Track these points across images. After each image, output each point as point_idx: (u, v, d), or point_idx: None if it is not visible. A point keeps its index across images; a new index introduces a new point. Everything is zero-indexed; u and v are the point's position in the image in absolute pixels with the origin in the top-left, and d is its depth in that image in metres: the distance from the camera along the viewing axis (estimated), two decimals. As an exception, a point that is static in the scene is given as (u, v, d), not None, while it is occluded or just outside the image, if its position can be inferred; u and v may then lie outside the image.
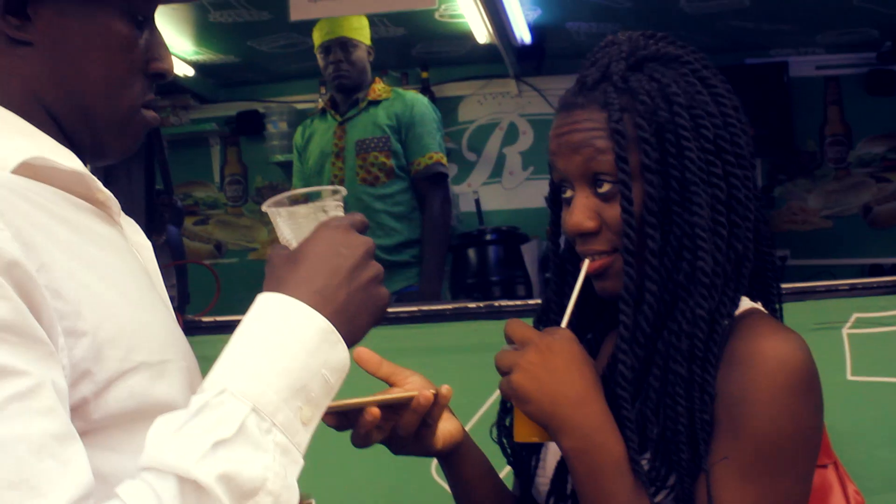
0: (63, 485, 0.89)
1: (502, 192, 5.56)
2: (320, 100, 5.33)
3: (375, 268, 1.13)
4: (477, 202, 5.18)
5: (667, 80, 1.31)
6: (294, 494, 1.01)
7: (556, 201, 1.43)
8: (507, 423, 1.44)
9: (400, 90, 4.14)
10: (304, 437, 1.03)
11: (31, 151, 1.07)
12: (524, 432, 1.31)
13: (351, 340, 1.09)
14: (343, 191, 1.21)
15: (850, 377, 2.56)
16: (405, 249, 3.94)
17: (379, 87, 4.04)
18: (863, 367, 2.56)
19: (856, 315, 2.58)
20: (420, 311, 2.79)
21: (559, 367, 1.25)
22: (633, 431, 1.25)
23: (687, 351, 1.25)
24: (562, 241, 1.47)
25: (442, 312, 2.77)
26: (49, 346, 0.95)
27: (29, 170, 1.07)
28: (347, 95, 4.02)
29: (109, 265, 1.08)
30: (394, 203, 3.94)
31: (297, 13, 3.15)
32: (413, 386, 1.36)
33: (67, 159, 1.12)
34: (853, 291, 2.60)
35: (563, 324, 1.32)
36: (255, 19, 4.55)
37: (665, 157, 1.29)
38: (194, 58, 5.15)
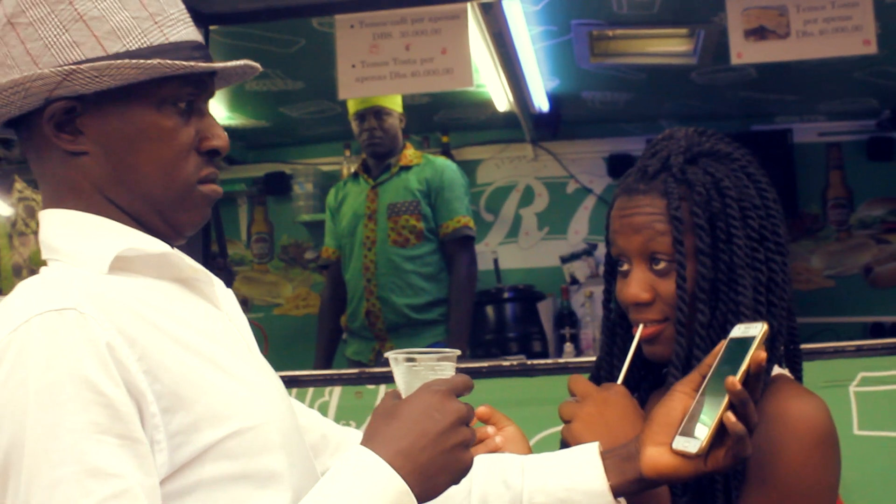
0: None
1: (518, 251, 5.75)
2: (345, 162, 5.56)
3: (463, 434, 1.23)
4: (495, 261, 5.35)
5: (720, 174, 1.49)
6: None
7: (612, 273, 1.61)
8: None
9: (430, 156, 4.35)
10: None
11: (120, 245, 1.24)
12: None
13: (425, 499, 1.20)
14: (457, 352, 1.33)
15: (856, 432, 2.73)
16: (433, 308, 4.13)
17: (410, 153, 4.25)
18: (868, 423, 2.73)
19: (862, 374, 2.75)
20: (456, 368, 2.97)
21: (613, 419, 1.44)
22: None
23: None
24: (612, 306, 1.64)
25: (478, 370, 2.95)
26: (144, 446, 1.11)
27: (123, 262, 1.23)
28: (380, 160, 4.23)
29: (206, 344, 1.24)
30: (423, 264, 4.13)
31: (344, 92, 3.37)
32: (507, 434, 1.55)
33: (153, 244, 1.27)
34: (859, 352, 2.78)
35: (620, 380, 1.52)
36: (289, 88, 4.77)
37: (716, 243, 1.47)
38: (226, 122, 5.38)
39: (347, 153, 5.59)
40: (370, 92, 3.55)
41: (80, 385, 1.08)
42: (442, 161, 4.34)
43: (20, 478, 1.06)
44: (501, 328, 4.87)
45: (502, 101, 4.84)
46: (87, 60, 1.22)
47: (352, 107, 4.19)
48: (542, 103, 5.09)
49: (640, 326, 1.52)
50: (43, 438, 1.06)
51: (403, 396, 1.28)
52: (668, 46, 4.41)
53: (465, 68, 3.25)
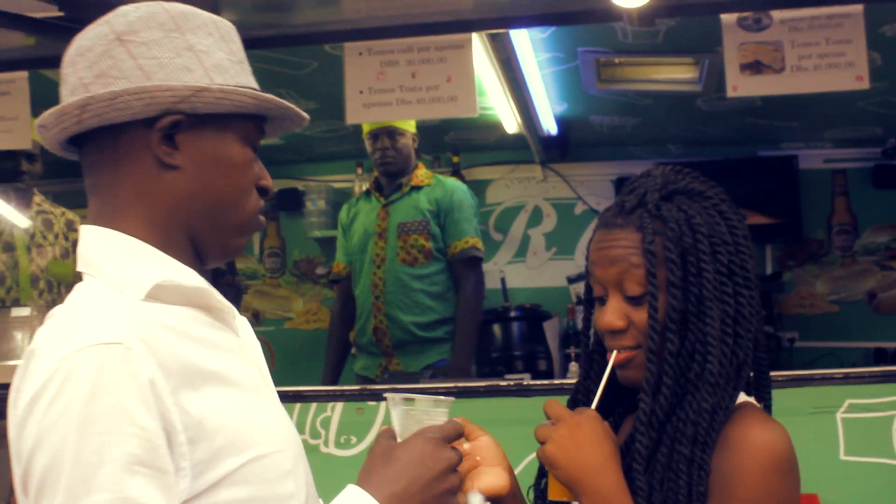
0: None
1: (526, 271, 5.83)
2: (356, 179, 5.65)
3: (452, 481, 1.36)
4: (502, 280, 5.42)
5: (692, 211, 1.57)
6: None
7: (591, 301, 1.69)
8: (542, 486, 1.69)
9: (441, 177, 4.43)
10: None
11: (160, 274, 1.31)
12: (556, 492, 1.57)
13: None
14: (451, 400, 1.45)
15: (842, 457, 2.80)
16: (440, 326, 4.21)
17: (421, 173, 4.33)
18: (854, 448, 2.80)
19: (849, 401, 2.82)
20: (456, 387, 3.06)
21: (584, 441, 1.52)
22: (643, 498, 1.50)
23: (691, 436, 1.50)
24: (591, 333, 1.72)
25: (476, 389, 3.03)
26: (171, 476, 1.18)
27: (159, 290, 1.30)
28: (392, 179, 4.31)
29: (228, 373, 1.32)
30: (431, 283, 4.22)
31: (352, 117, 3.49)
32: (480, 443, 1.63)
33: (190, 277, 1.34)
34: (846, 380, 2.85)
35: (593, 405, 1.60)
36: (302, 108, 4.83)
37: (686, 276, 1.54)
38: (241, 139, 5.48)
39: (359, 171, 5.68)
40: (377, 117, 3.65)
41: (121, 418, 1.16)
42: (452, 182, 4.42)
43: (54, 499, 1.14)
44: (508, 346, 4.94)
45: (511, 123, 4.94)
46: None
47: (366, 126, 4.25)
48: (550, 126, 5.18)
49: (614, 352, 1.60)
50: (83, 465, 1.14)
51: (398, 435, 1.40)
52: (674, 74, 4.50)
53: (469, 96, 3.35)
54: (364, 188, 4.63)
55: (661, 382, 1.55)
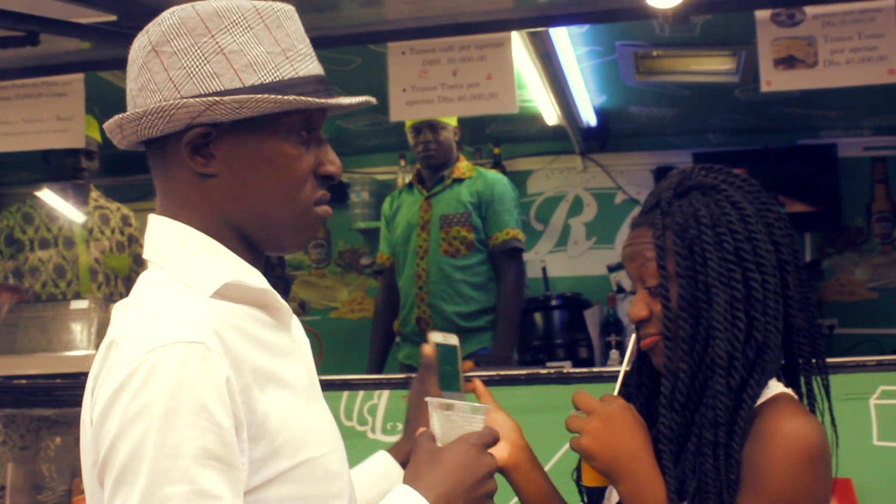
0: None
1: (567, 260, 5.90)
2: (399, 171, 5.75)
3: (491, 485, 1.46)
4: (544, 269, 5.50)
5: (699, 205, 1.66)
6: None
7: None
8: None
9: (482, 169, 4.52)
10: None
11: (229, 274, 1.33)
12: (592, 478, 1.67)
13: None
14: (488, 407, 1.56)
15: (876, 442, 2.85)
16: (481, 316, 4.30)
17: (463, 166, 4.42)
18: (888, 434, 2.86)
19: (882, 388, 2.87)
20: (498, 375, 3.15)
21: (617, 431, 1.60)
22: (672, 478, 1.58)
23: (713, 420, 1.57)
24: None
25: (517, 377, 3.12)
26: (240, 471, 1.24)
27: (226, 289, 1.32)
28: (434, 172, 4.41)
29: (286, 374, 1.35)
30: (472, 274, 4.30)
31: (395, 115, 3.59)
32: (491, 418, 1.71)
33: (255, 279, 1.37)
34: (880, 367, 2.90)
35: (615, 391, 1.70)
36: (346, 103, 4.98)
37: (694, 266, 1.63)
38: (288, 133, 5.60)
39: (402, 163, 5.78)
40: (419, 114, 3.75)
41: (200, 414, 1.21)
42: (493, 175, 4.50)
43: (134, 487, 1.19)
44: (549, 335, 5.02)
45: (551, 115, 5.01)
46: (227, 91, 1.33)
47: (408, 120, 4.32)
48: (589, 118, 5.24)
49: (633, 336, 1.71)
50: (164, 457, 1.19)
51: (438, 439, 1.50)
52: (711, 65, 4.54)
53: (508, 93, 3.44)
54: (407, 180, 4.72)
55: (678, 367, 1.62)
